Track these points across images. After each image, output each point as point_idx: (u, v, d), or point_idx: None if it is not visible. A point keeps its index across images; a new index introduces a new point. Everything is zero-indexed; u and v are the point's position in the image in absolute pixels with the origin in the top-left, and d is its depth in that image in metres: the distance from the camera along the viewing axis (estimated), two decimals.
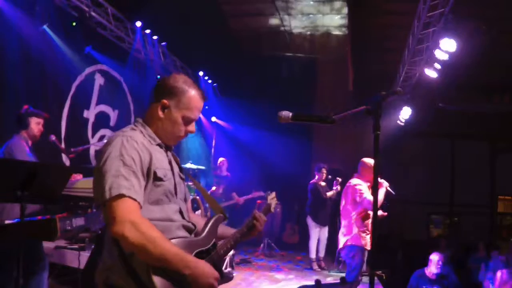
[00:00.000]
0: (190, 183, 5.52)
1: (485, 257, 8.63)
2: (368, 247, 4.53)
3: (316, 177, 7.83)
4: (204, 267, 1.70)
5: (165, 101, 1.83)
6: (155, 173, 1.75)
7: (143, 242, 1.57)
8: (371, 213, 4.61)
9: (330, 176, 7.89)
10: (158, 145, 1.84)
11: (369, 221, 4.61)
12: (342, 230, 4.70)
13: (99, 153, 1.74)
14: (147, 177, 1.73)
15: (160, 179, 1.76)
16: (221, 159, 8.40)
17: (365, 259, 4.56)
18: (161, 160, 1.81)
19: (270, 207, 2.28)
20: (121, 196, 1.61)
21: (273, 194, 2.34)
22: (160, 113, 1.83)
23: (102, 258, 1.76)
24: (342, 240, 4.66)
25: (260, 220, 2.09)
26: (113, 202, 1.61)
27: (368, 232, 4.57)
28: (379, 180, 4.50)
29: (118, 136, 1.73)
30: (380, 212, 4.43)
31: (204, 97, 1.91)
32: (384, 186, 4.55)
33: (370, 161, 4.70)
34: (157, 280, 1.61)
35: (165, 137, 1.87)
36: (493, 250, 8.24)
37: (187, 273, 1.64)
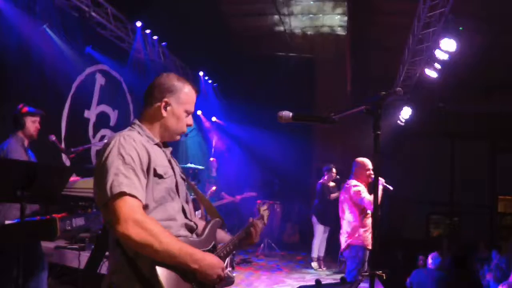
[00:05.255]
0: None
1: (487, 256, 8.62)
2: (370, 246, 4.53)
3: (326, 177, 7.83)
4: (212, 259, 1.73)
5: (167, 99, 1.87)
6: (155, 170, 1.75)
7: (148, 239, 1.57)
8: (369, 211, 4.62)
9: (338, 177, 7.89)
10: (157, 144, 1.85)
11: (369, 220, 4.61)
12: (345, 231, 4.68)
13: (98, 154, 1.75)
14: (147, 175, 1.73)
15: (161, 176, 1.77)
16: (211, 159, 8.39)
17: (367, 258, 4.55)
18: (160, 158, 1.82)
19: (263, 218, 2.29)
20: (123, 194, 1.61)
21: (265, 206, 2.35)
22: (163, 112, 1.87)
23: (109, 263, 1.77)
24: (345, 241, 4.65)
25: (257, 228, 2.11)
26: (115, 201, 1.61)
27: (369, 231, 4.57)
28: None
29: (115, 136, 1.75)
30: (380, 188, 4.39)
31: (197, 90, 2.00)
32: (380, 182, 4.55)
33: (363, 160, 4.74)
34: (162, 277, 1.60)
35: (169, 134, 1.91)
36: (494, 250, 8.24)
37: (195, 267, 1.65)
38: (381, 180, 4.54)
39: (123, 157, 1.67)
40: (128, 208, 1.60)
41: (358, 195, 4.52)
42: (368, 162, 4.72)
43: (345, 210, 4.70)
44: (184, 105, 1.90)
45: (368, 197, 4.48)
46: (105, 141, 1.80)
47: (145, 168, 1.72)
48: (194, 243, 1.81)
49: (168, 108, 1.87)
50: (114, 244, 1.70)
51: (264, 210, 2.33)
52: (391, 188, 4.57)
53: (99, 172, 1.67)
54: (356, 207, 4.58)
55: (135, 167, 1.68)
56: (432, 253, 6.43)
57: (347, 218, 4.66)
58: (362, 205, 4.52)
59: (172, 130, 1.90)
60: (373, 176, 4.55)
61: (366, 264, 4.55)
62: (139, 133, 1.83)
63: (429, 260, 6.34)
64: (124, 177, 1.63)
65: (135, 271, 1.64)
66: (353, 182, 4.68)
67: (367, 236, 4.54)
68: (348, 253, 4.65)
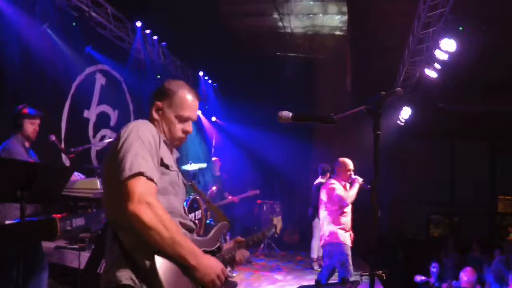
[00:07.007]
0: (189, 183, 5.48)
1: (480, 257, 8.62)
2: (349, 243, 4.70)
3: (322, 177, 7.81)
4: (211, 260, 1.73)
5: (158, 103, 1.89)
6: (162, 159, 1.77)
7: (157, 224, 1.58)
8: (347, 210, 4.79)
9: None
10: (164, 142, 1.87)
11: (346, 219, 4.77)
12: (324, 229, 4.86)
13: (115, 139, 1.76)
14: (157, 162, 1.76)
15: (167, 167, 1.79)
16: (213, 159, 8.36)
17: (348, 253, 4.66)
18: (167, 153, 1.84)
19: (276, 228, 2.32)
20: (141, 174, 1.63)
21: (279, 217, 2.40)
22: (155, 115, 1.89)
23: (105, 261, 1.76)
24: (323, 238, 4.85)
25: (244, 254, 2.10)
26: (132, 180, 1.62)
27: (347, 230, 4.75)
28: (354, 176, 4.76)
29: (133, 122, 1.79)
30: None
31: (198, 97, 1.96)
32: (358, 182, 4.72)
33: (344, 160, 4.89)
34: (161, 268, 1.60)
35: (167, 138, 1.90)
36: (495, 249, 8.23)
37: (194, 263, 1.65)
38: (359, 180, 4.68)
39: (142, 140, 1.70)
40: (144, 189, 1.62)
41: (333, 191, 4.71)
42: (349, 163, 4.88)
43: (322, 209, 4.88)
44: (175, 109, 1.89)
45: (341, 192, 4.67)
46: (107, 140, 1.81)
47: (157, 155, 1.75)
48: (198, 241, 1.81)
49: (160, 112, 1.89)
50: (112, 238, 1.70)
51: (278, 220, 2.36)
52: (368, 187, 4.63)
53: (117, 152, 1.68)
54: (333, 205, 4.75)
55: (152, 151, 1.71)
56: (466, 268, 6.28)
57: (324, 216, 4.84)
58: (336, 201, 4.68)
59: (167, 135, 1.90)
60: (353, 176, 4.76)
61: (349, 259, 4.64)
62: None
63: (463, 278, 6.15)
64: (142, 159, 1.66)
65: (131, 264, 1.63)
66: (331, 181, 4.88)
67: (343, 233, 4.70)
68: (326, 250, 4.86)
